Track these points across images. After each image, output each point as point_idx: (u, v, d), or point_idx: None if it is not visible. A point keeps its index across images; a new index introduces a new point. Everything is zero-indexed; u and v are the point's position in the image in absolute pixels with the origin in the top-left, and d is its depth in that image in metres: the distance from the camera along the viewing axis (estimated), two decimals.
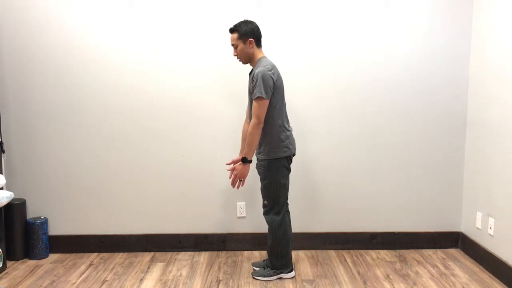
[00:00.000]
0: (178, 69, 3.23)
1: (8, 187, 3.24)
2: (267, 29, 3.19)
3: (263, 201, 2.84)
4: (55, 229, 3.35)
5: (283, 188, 2.81)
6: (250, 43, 2.72)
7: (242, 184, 2.83)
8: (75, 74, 3.23)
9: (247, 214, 3.36)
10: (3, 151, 3.20)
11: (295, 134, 2.95)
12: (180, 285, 2.82)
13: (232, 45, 2.77)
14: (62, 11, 3.17)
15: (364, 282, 2.83)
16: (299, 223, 3.35)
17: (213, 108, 3.27)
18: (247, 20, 2.75)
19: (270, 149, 2.74)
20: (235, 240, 3.37)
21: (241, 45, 2.73)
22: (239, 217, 3.36)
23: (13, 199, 3.13)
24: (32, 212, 3.33)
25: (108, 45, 3.20)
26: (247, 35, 2.71)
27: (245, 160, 2.73)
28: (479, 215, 3.12)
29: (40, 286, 2.82)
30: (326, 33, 3.21)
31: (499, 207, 2.89)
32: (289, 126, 2.84)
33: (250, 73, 2.79)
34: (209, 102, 3.26)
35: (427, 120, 3.29)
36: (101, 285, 2.83)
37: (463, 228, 3.36)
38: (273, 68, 2.70)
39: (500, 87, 2.85)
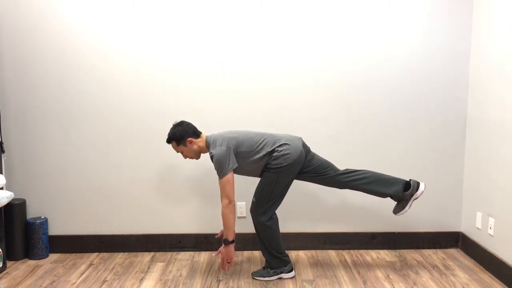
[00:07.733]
0: (178, 69, 3.23)
1: (8, 187, 3.24)
2: (267, 29, 3.20)
3: (253, 197, 2.82)
4: (55, 229, 3.35)
5: (280, 192, 2.79)
6: (190, 142, 2.77)
7: (231, 266, 2.82)
8: (75, 74, 3.22)
9: (247, 214, 3.36)
10: (3, 151, 3.20)
11: (295, 134, 2.93)
12: (180, 285, 2.82)
13: (178, 152, 2.83)
14: (62, 11, 3.17)
15: (364, 282, 2.83)
16: (299, 223, 3.36)
17: (213, 109, 3.27)
18: (174, 125, 2.81)
19: (272, 166, 2.72)
20: (235, 240, 3.36)
21: (185, 149, 2.80)
22: (239, 217, 3.36)
23: (13, 199, 3.13)
24: (32, 212, 3.33)
25: (109, 45, 3.20)
26: (183, 137, 2.76)
27: (226, 242, 2.74)
28: (479, 215, 3.12)
29: (40, 286, 2.82)
30: (325, 33, 3.21)
31: (499, 207, 2.88)
32: (280, 142, 2.72)
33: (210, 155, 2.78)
34: (209, 102, 3.26)
35: (426, 120, 3.29)
36: (101, 285, 2.83)
37: (463, 228, 3.36)
38: (221, 137, 2.72)
39: (501, 87, 2.85)
